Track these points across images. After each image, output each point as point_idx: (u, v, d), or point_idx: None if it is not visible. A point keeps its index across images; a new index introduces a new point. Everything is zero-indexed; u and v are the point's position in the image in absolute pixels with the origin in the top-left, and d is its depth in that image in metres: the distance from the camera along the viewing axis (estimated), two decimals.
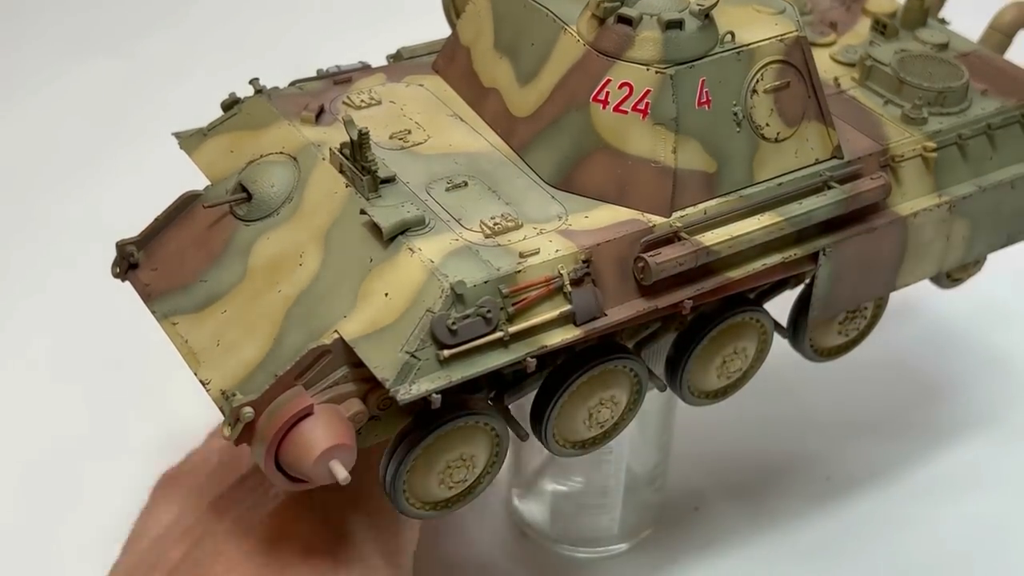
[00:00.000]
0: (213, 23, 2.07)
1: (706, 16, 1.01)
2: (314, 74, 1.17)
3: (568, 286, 0.95)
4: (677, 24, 0.99)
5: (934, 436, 1.55)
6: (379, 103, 1.13)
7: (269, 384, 0.93)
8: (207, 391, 0.97)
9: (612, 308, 0.99)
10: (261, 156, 1.08)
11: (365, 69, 1.18)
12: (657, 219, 1.01)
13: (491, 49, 1.12)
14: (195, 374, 0.98)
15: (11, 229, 1.76)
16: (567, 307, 0.96)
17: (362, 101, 1.12)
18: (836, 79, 1.21)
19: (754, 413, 1.48)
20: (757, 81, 1.04)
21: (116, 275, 1.08)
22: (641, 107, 1.00)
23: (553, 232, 0.99)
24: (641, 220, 1.01)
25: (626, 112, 1.01)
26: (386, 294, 0.94)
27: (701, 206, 1.03)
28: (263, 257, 1.02)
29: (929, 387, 1.62)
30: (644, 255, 0.98)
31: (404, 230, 0.97)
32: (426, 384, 0.91)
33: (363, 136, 0.99)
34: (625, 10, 1.00)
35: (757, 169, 1.05)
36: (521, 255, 0.95)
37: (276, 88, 1.14)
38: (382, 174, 1.01)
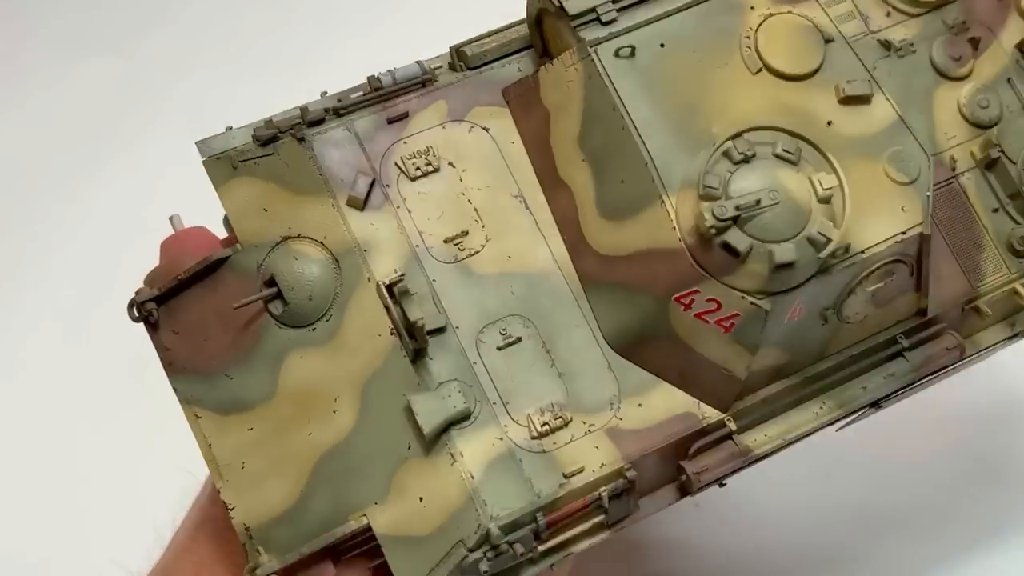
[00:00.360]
0: (215, 20, 1.88)
1: (824, 251, 0.87)
2: (361, 80, 1.01)
3: (607, 502, 0.93)
4: (788, 266, 0.87)
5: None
6: (437, 170, 0.98)
7: (295, 558, 0.93)
8: (230, 515, 0.97)
9: (645, 498, 0.98)
10: (299, 235, 0.97)
11: (423, 92, 1.01)
12: (713, 414, 0.95)
13: (574, 142, 0.96)
14: (217, 486, 0.97)
15: (13, 227, 1.70)
16: (600, 518, 0.94)
17: (417, 169, 0.98)
18: (953, 159, 1.05)
19: None
20: (859, 283, 0.93)
21: (133, 319, 1.01)
22: (725, 324, 0.91)
23: (601, 431, 0.94)
24: (695, 415, 0.95)
25: (707, 322, 0.91)
26: (421, 499, 0.92)
27: (762, 394, 0.97)
28: (295, 380, 0.96)
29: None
30: (687, 468, 0.95)
31: (448, 427, 0.92)
32: None
33: (419, 327, 0.89)
34: (733, 239, 0.86)
35: (832, 346, 0.98)
36: (564, 476, 0.92)
37: (321, 128, 0.98)
38: (431, 325, 0.93)
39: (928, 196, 0.93)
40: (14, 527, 1.45)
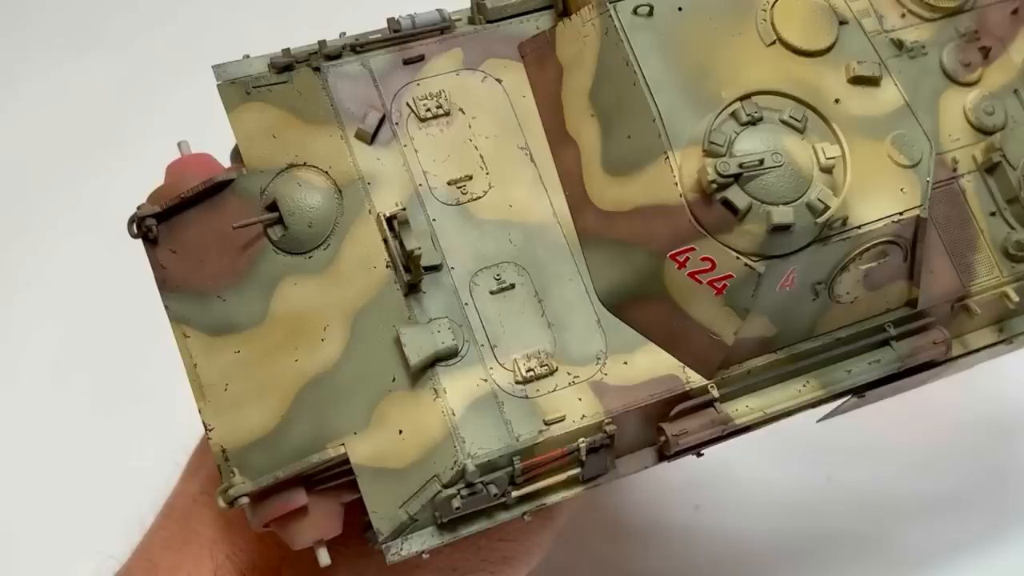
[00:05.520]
0: (215, 19, 1.95)
1: (822, 217, 0.88)
2: (383, 25, 1.02)
3: (583, 455, 0.94)
4: (785, 228, 0.87)
5: None
6: (447, 114, 0.99)
7: (268, 482, 0.93)
8: (208, 435, 0.97)
9: (623, 458, 0.98)
10: (305, 164, 0.97)
11: (441, 38, 1.02)
12: (697, 379, 0.96)
13: (584, 96, 0.97)
14: (198, 408, 0.97)
15: (11, 227, 1.73)
16: (577, 471, 0.95)
17: (428, 111, 0.99)
18: (955, 160, 1.07)
19: None
20: (852, 260, 0.94)
21: (133, 236, 1.01)
22: (718, 285, 0.91)
23: (585, 384, 0.94)
24: (679, 378, 0.96)
25: (700, 282, 0.92)
26: (400, 431, 0.92)
27: (747, 365, 0.97)
28: (287, 306, 0.96)
29: None
30: (667, 429, 0.95)
31: (435, 362, 0.92)
32: (417, 545, 0.92)
33: (415, 256, 0.90)
34: (734, 196, 0.87)
35: (820, 325, 0.99)
36: (545, 423, 0.92)
37: (337, 63, 0.99)
38: (427, 261, 0.93)
39: (928, 181, 0.94)
40: None
